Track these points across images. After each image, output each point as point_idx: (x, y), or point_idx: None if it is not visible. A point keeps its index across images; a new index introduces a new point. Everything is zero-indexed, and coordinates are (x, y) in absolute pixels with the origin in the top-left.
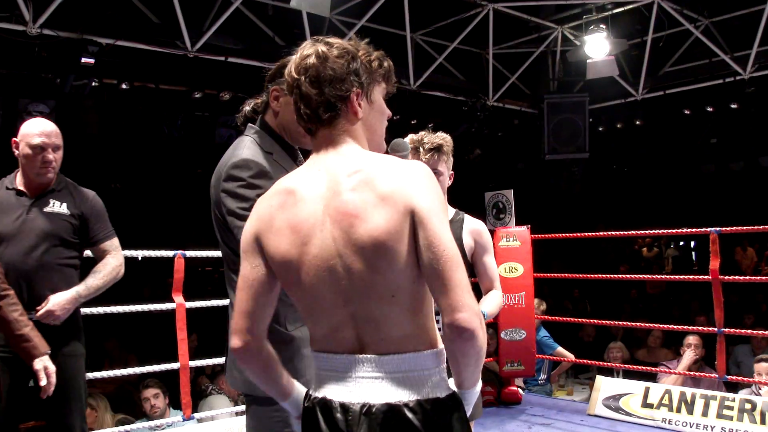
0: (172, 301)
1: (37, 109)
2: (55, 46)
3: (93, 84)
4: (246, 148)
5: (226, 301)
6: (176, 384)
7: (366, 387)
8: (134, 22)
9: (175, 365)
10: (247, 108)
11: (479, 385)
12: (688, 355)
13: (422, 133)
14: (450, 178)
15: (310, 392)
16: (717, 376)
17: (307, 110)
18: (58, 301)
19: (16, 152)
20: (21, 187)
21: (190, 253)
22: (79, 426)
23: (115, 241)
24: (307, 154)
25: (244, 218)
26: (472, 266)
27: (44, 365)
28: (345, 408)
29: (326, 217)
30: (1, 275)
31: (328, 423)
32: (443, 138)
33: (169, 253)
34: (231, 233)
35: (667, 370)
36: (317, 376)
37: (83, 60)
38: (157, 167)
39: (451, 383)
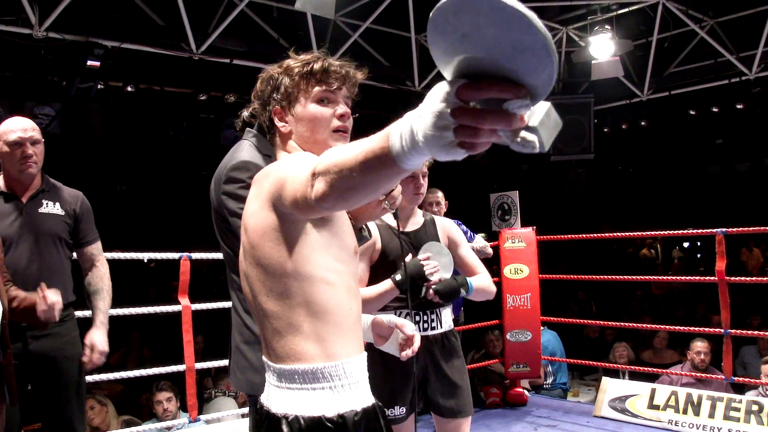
0: (177, 303)
1: (42, 112)
2: (60, 49)
3: (98, 86)
4: (244, 150)
5: (230, 304)
6: (182, 386)
7: (269, 393)
8: (139, 24)
9: (181, 367)
10: (245, 113)
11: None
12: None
13: None
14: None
15: None
16: (724, 377)
17: (258, 123)
18: (100, 340)
19: None
20: (6, 190)
21: (195, 255)
22: (79, 428)
23: (99, 245)
24: None
25: None
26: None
27: (43, 295)
28: (261, 408)
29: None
30: (6, 274)
31: (254, 420)
32: None
33: (175, 255)
34: (232, 235)
35: (671, 372)
36: None
37: (89, 63)
38: (163, 169)
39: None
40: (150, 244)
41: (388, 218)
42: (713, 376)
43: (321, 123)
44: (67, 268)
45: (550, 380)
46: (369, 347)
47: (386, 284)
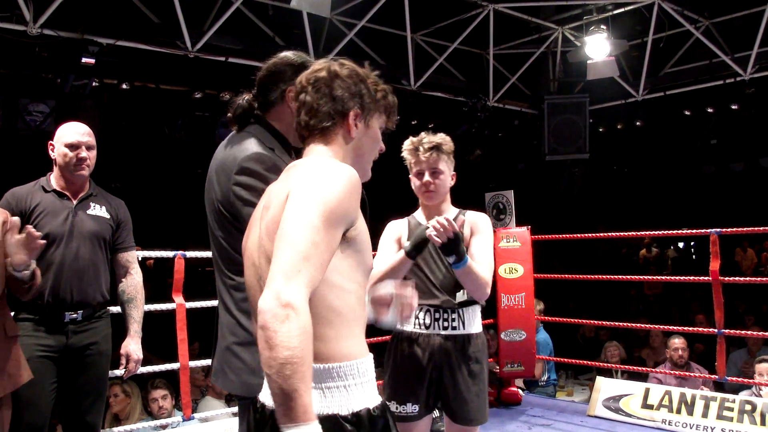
0: (172, 301)
1: (37, 109)
2: (55, 46)
3: (93, 84)
4: (252, 144)
5: None
6: (176, 384)
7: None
8: (135, 22)
9: (175, 365)
10: (243, 104)
11: (310, 427)
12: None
13: (423, 134)
14: (452, 179)
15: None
16: (717, 377)
17: (306, 118)
18: (135, 349)
19: (52, 154)
20: (60, 189)
21: (190, 254)
22: (99, 423)
23: (135, 253)
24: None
25: None
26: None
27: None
28: (263, 408)
29: (261, 211)
30: None
31: (253, 419)
32: (442, 138)
33: (170, 254)
34: (237, 231)
35: (658, 371)
36: None
37: (83, 60)
38: (158, 167)
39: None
40: (144, 242)
41: (420, 216)
42: (694, 374)
43: (374, 149)
44: (106, 269)
45: (545, 377)
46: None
47: (399, 255)
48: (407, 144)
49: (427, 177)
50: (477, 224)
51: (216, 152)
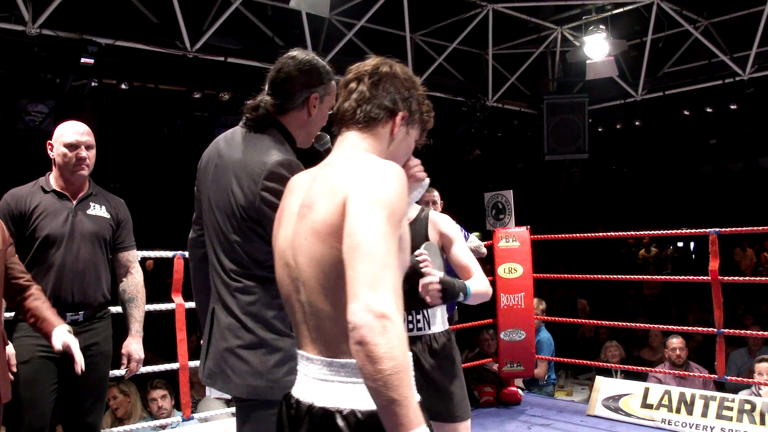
0: (171, 301)
1: (36, 109)
2: (54, 46)
3: (92, 84)
4: (274, 148)
5: None
6: (175, 384)
7: (314, 387)
8: (134, 22)
9: (174, 365)
10: (263, 108)
11: (422, 429)
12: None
13: None
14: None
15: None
16: (716, 376)
17: (354, 104)
18: (136, 348)
19: (51, 154)
20: (59, 190)
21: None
22: (100, 423)
23: (135, 252)
24: (304, 157)
25: None
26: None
27: (62, 340)
28: (298, 404)
29: (297, 209)
30: (25, 272)
31: (287, 417)
32: None
33: (169, 254)
34: (258, 238)
35: (655, 371)
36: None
37: (82, 60)
38: (157, 167)
39: None
40: (144, 242)
41: None
42: (693, 374)
43: (405, 158)
44: (107, 269)
45: (546, 377)
46: None
47: None
48: None
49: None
50: (444, 228)
51: (220, 147)
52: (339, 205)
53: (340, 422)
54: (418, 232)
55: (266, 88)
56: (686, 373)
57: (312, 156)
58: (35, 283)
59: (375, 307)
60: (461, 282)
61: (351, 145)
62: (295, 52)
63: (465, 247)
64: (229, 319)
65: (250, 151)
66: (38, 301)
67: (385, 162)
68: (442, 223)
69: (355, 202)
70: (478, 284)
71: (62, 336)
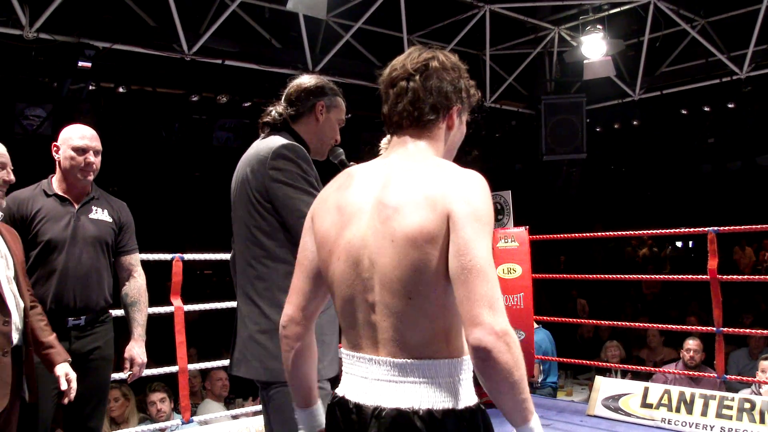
0: (170, 304)
1: (34, 113)
2: (51, 50)
3: (90, 88)
4: (285, 140)
5: (224, 304)
6: (174, 387)
7: (380, 389)
8: (131, 25)
9: (174, 368)
10: (276, 115)
11: (535, 419)
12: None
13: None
14: None
15: (336, 390)
16: (716, 375)
17: (410, 107)
18: (139, 352)
19: (57, 156)
20: (61, 193)
21: (188, 256)
22: (101, 428)
23: (138, 256)
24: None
25: (298, 189)
26: None
27: (65, 371)
28: (359, 408)
29: (371, 207)
30: (30, 289)
31: (345, 422)
32: None
33: (167, 257)
34: (268, 213)
35: (664, 371)
36: (343, 373)
37: (80, 64)
38: (155, 170)
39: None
40: (142, 245)
41: None
42: (705, 374)
43: (460, 142)
44: (109, 273)
45: (540, 379)
46: None
47: None
48: (384, 142)
49: None
50: None
51: (244, 157)
52: (441, 216)
53: (418, 423)
54: None
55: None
56: (686, 372)
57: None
58: (37, 300)
59: (498, 328)
60: None
61: (416, 148)
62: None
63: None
64: (248, 306)
65: (262, 145)
66: (41, 323)
67: (474, 174)
68: None
69: (464, 221)
70: None
71: (65, 370)
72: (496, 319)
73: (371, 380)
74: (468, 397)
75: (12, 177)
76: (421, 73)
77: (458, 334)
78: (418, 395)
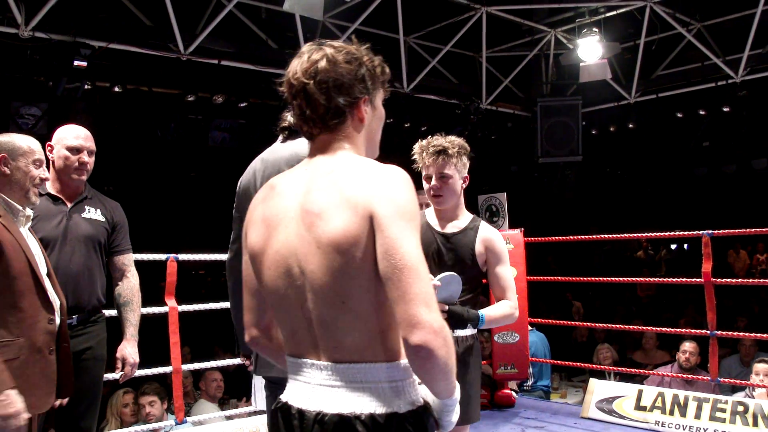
0: (164, 304)
1: (29, 112)
2: (47, 49)
3: (85, 87)
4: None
5: (218, 305)
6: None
7: (322, 394)
8: (127, 25)
9: (167, 369)
10: (293, 120)
11: (457, 391)
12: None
13: (433, 137)
14: (465, 182)
15: (280, 396)
16: (710, 378)
17: (314, 115)
18: (131, 352)
19: (50, 156)
20: (54, 193)
21: (182, 257)
22: (94, 427)
23: (131, 256)
24: None
25: None
26: (485, 274)
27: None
28: (301, 414)
29: (296, 214)
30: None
31: (287, 428)
32: (450, 141)
33: (162, 257)
34: None
35: (659, 373)
36: (288, 379)
37: (76, 63)
38: (150, 170)
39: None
40: (137, 245)
41: (431, 217)
42: (699, 377)
43: (381, 127)
44: (102, 272)
45: (530, 381)
46: None
47: None
48: (416, 147)
49: (433, 181)
50: (494, 244)
51: (263, 158)
52: (363, 217)
53: (360, 428)
54: (465, 244)
55: None
56: (680, 375)
57: None
58: None
59: (436, 326)
60: (473, 312)
61: (334, 148)
62: None
63: (508, 269)
64: None
65: (287, 148)
66: None
67: (393, 170)
68: (495, 240)
69: (388, 220)
70: (499, 310)
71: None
72: (433, 316)
73: (313, 385)
74: (412, 400)
75: (48, 174)
76: (314, 77)
77: (396, 335)
78: (360, 400)
